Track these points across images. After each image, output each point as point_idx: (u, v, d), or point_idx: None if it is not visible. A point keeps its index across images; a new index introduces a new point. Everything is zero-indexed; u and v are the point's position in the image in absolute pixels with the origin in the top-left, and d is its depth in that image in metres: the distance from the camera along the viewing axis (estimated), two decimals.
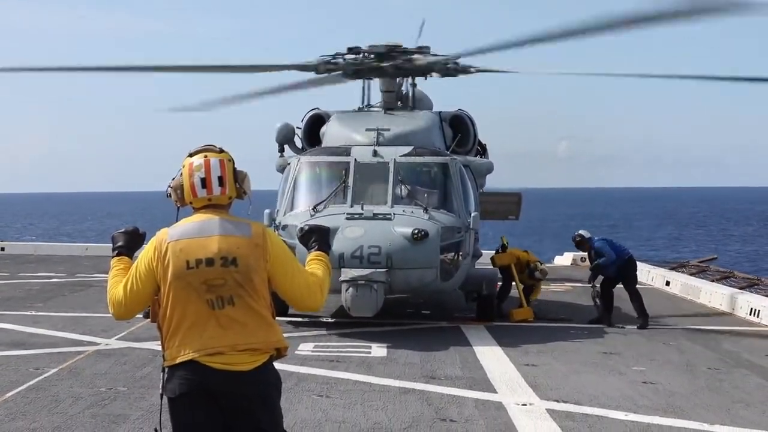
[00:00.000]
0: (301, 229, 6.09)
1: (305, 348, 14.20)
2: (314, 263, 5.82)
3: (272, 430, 5.48)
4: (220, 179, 5.56)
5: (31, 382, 11.51)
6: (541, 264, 18.88)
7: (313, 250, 5.92)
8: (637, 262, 18.53)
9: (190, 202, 5.61)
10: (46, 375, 11.98)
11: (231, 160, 5.63)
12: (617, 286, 17.71)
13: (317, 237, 5.97)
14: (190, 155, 5.63)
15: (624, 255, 17.78)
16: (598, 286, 17.65)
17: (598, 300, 17.65)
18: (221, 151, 5.65)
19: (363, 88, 20.42)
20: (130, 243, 5.83)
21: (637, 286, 17.77)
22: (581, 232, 18.31)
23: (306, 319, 17.00)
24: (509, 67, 20.03)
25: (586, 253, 18.81)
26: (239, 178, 5.66)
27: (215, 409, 5.37)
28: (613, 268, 17.56)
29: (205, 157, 5.58)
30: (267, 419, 5.45)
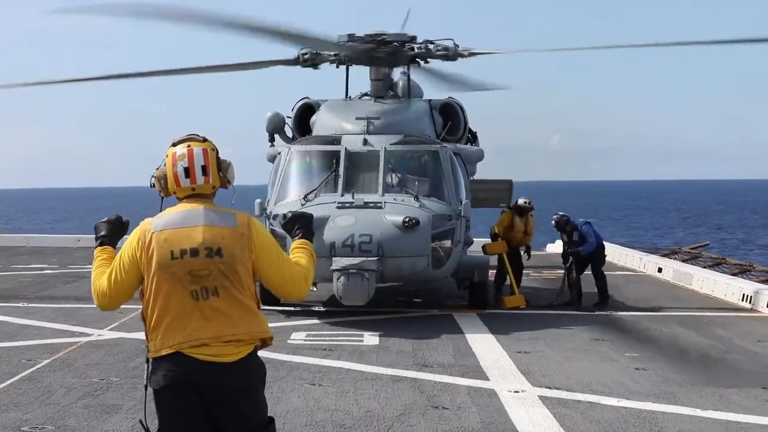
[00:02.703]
0: (284, 216, 6.04)
1: (297, 337, 14.15)
2: (298, 251, 5.78)
3: (257, 419, 5.46)
4: (204, 168, 5.50)
5: (23, 373, 11.50)
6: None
7: (296, 237, 5.88)
8: (630, 249, 18.67)
9: (174, 192, 5.56)
10: (38, 366, 11.96)
11: (214, 149, 5.58)
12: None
13: (300, 224, 5.93)
14: (174, 145, 5.58)
15: (600, 239, 18.38)
16: (575, 273, 17.82)
17: (567, 285, 17.97)
18: (204, 140, 5.60)
19: (346, 77, 20.27)
20: (113, 232, 5.80)
21: (630, 272, 17.84)
22: (564, 214, 18.41)
23: (298, 308, 16.98)
24: (500, 49, 20.01)
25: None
26: (223, 167, 5.61)
27: (200, 400, 5.35)
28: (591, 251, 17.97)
29: (189, 146, 5.53)
30: (251, 409, 5.44)
